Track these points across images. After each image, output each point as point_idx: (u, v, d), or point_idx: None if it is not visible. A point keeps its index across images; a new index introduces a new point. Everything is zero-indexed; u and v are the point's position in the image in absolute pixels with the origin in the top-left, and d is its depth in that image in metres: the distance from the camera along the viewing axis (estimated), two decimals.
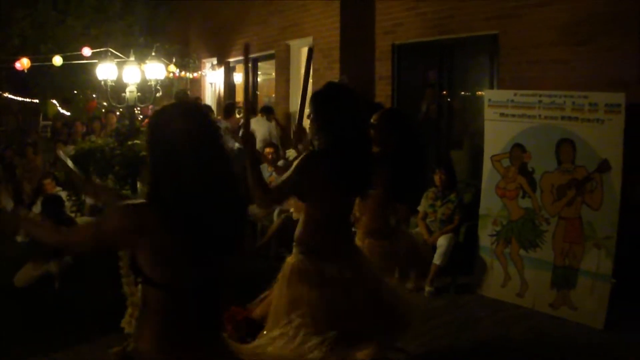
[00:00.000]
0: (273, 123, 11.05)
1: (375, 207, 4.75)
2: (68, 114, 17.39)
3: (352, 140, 3.68)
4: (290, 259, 3.84)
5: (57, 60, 11.99)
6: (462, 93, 9.51)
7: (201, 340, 2.45)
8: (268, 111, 11.31)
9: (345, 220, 3.98)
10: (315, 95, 3.84)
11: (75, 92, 16.43)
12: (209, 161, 2.39)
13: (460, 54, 9.31)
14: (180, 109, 2.51)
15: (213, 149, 2.44)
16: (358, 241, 4.67)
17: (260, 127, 10.28)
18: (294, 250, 3.85)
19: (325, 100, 3.78)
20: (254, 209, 3.72)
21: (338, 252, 3.80)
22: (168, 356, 2.37)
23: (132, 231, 2.32)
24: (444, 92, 9.46)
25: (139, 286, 2.49)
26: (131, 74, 7.60)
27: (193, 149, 2.36)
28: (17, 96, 19.06)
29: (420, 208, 7.70)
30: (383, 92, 9.91)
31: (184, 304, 2.41)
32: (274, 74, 13.03)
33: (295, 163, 3.69)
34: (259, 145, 10.02)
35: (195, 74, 16.06)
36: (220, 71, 15.42)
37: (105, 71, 7.75)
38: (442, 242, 7.27)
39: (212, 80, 16.09)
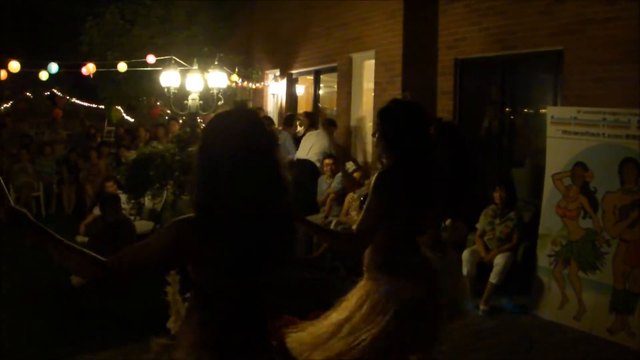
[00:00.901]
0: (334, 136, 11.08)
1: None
2: (132, 120, 17.76)
3: (420, 156, 3.63)
4: (362, 284, 3.74)
5: (122, 67, 12.24)
6: (525, 110, 9.37)
7: (245, 348, 2.43)
8: (330, 124, 11.31)
9: (417, 237, 3.90)
10: (381, 112, 3.77)
11: (140, 99, 16.75)
12: (261, 170, 2.35)
13: (524, 69, 9.18)
14: (235, 115, 2.46)
15: (266, 158, 2.40)
16: None
17: (320, 139, 10.29)
18: (366, 275, 3.74)
19: (391, 117, 3.71)
20: None
21: (412, 271, 3.70)
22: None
23: (177, 247, 2.31)
24: (507, 109, 9.34)
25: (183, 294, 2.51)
26: (194, 82, 7.71)
27: (245, 156, 2.32)
28: (83, 101, 19.57)
29: (478, 225, 7.60)
30: (445, 108, 9.83)
31: (230, 312, 2.41)
32: (335, 86, 13.05)
33: (370, 192, 3.58)
34: (318, 157, 10.03)
35: (257, 85, 16.21)
36: (283, 83, 15.53)
37: (169, 79, 7.87)
38: (499, 260, 7.15)
39: (274, 91, 16.21)
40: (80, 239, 9.88)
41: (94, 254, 2.42)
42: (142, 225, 9.28)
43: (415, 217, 3.73)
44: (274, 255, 2.44)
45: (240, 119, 2.41)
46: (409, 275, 3.65)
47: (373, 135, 3.86)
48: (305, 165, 10.00)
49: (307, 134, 10.53)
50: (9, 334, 6.09)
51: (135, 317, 6.49)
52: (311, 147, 10.14)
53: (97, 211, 9.88)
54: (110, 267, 2.41)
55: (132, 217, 8.73)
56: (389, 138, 3.68)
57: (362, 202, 3.76)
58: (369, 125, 11.41)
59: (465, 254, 7.39)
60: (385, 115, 3.74)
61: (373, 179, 3.60)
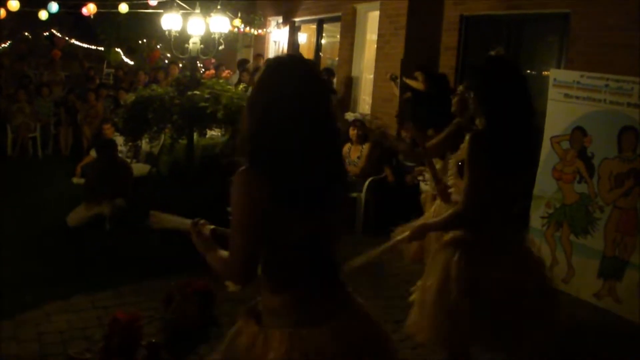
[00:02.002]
0: (332, 85, 11.02)
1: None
2: (131, 62, 17.64)
3: (519, 116, 3.44)
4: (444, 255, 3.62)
5: (123, 8, 12.08)
6: (528, 71, 9.30)
7: (324, 296, 2.46)
8: (329, 73, 11.26)
9: (511, 208, 3.69)
10: (478, 70, 3.59)
11: (140, 41, 16.60)
12: (318, 125, 2.34)
13: (530, 30, 9.08)
14: (294, 63, 2.42)
15: (324, 106, 2.39)
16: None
17: None
18: (450, 248, 3.60)
19: (490, 75, 3.50)
20: None
21: (506, 246, 3.56)
22: (290, 311, 2.39)
23: (255, 193, 2.26)
24: None
25: None
26: (195, 25, 7.62)
27: (305, 109, 2.30)
28: (83, 43, 19.40)
29: None
30: (448, 64, 9.75)
31: (303, 262, 2.42)
32: (338, 36, 12.95)
33: (466, 155, 3.40)
34: None
35: (260, 31, 16.06)
36: (285, 30, 15.40)
37: (170, 21, 7.76)
38: None
39: (276, 38, 16.09)
40: (76, 180, 9.93)
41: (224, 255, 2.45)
42: (139, 168, 9.31)
43: (510, 185, 3.54)
44: (332, 198, 2.43)
45: (300, 67, 2.39)
46: (497, 252, 3.51)
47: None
48: None
49: None
50: (8, 274, 6.15)
51: (131, 261, 6.55)
52: None
53: (94, 153, 9.89)
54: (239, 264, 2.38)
55: (128, 160, 8.74)
56: (486, 97, 3.46)
57: (460, 167, 3.56)
58: (369, 77, 11.38)
59: None
60: (483, 73, 3.55)
61: (470, 141, 3.41)
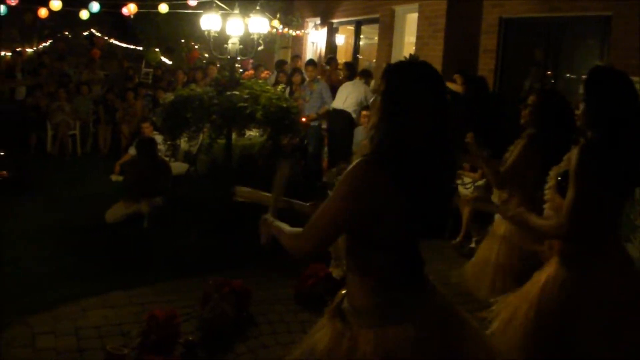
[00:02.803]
0: (369, 87, 10.97)
1: (527, 190, 4.39)
2: (170, 62, 17.77)
3: (634, 128, 3.24)
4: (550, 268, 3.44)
5: (163, 8, 12.19)
6: (567, 74, 9.19)
7: (414, 291, 2.50)
8: (366, 75, 11.21)
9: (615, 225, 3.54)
10: (588, 81, 3.41)
11: (179, 41, 16.71)
12: (439, 126, 2.42)
13: (569, 33, 8.98)
14: (423, 66, 2.52)
15: (446, 109, 2.46)
16: (502, 225, 4.54)
17: (355, 89, 10.19)
18: (558, 259, 3.42)
19: (601, 86, 3.33)
20: None
21: (617, 263, 3.33)
22: (378, 310, 2.43)
23: (365, 190, 2.33)
24: (549, 72, 9.16)
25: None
26: (234, 26, 7.65)
27: (435, 105, 2.41)
28: (122, 42, 19.61)
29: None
30: (486, 66, 9.68)
31: (397, 259, 2.47)
32: (376, 38, 12.90)
33: (574, 167, 3.19)
34: (354, 107, 9.96)
35: (298, 32, 16.08)
36: (323, 31, 15.39)
37: (210, 22, 7.81)
38: None
39: (314, 39, 16.09)
40: (114, 177, 10.04)
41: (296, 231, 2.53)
42: (177, 167, 9.37)
43: (620, 199, 3.40)
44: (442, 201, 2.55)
45: (429, 70, 2.49)
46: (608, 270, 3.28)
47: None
48: (342, 115, 9.95)
49: (344, 85, 10.44)
50: (46, 269, 6.23)
51: (168, 258, 6.60)
52: (347, 97, 10.05)
53: (132, 151, 9.98)
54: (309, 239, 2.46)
55: (167, 159, 8.79)
56: (597, 108, 3.30)
57: (560, 182, 3.35)
58: None
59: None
60: (593, 84, 3.38)
61: (575, 154, 3.23)
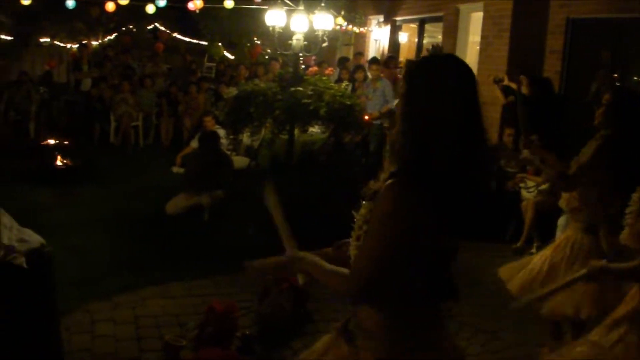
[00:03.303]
0: None
1: (600, 196, 4.20)
2: (232, 57, 17.89)
3: None
4: None
5: (229, 4, 12.25)
6: (636, 78, 8.91)
7: (431, 319, 2.30)
8: None
9: None
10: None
11: (244, 36, 16.79)
12: (480, 126, 2.16)
13: (639, 34, 8.69)
14: (455, 63, 2.21)
15: (480, 114, 2.18)
16: (573, 233, 4.34)
17: None
18: None
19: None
20: None
21: None
22: (392, 334, 2.23)
23: (413, 208, 2.07)
24: (617, 75, 8.90)
25: None
26: (299, 22, 7.64)
27: (473, 110, 2.13)
28: (185, 37, 19.82)
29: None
30: (552, 68, 9.46)
31: (424, 283, 2.22)
32: (440, 36, 12.76)
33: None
34: None
35: (361, 29, 16.01)
36: (386, 29, 15.30)
37: (274, 18, 7.81)
38: None
39: (376, 37, 16.00)
40: (175, 169, 10.14)
41: (343, 272, 2.24)
42: (238, 161, 9.42)
43: None
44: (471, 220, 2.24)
45: (456, 65, 2.20)
46: None
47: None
48: None
49: None
50: (107, 257, 6.32)
51: (228, 252, 6.61)
52: None
53: (194, 144, 10.06)
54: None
55: (228, 153, 8.83)
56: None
57: None
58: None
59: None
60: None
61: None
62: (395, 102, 10.02)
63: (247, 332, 4.73)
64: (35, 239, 3.61)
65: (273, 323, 4.99)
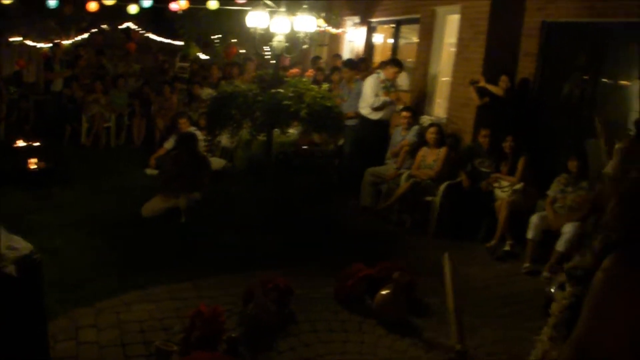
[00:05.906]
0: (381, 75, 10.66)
1: None
2: (207, 57, 17.75)
3: None
4: None
5: (213, 4, 12.11)
6: (609, 81, 9.01)
7: None
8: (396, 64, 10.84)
9: None
10: None
11: (219, 37, 16.66)
12: None
13: (614, 39, 8.79)
14: None
15: None
16: None
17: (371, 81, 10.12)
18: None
19: None
20: None
21: None
22: None
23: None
24: (590, 78, 8.99)
25: None
26: (280, 24, 7.60)
27: None
28: (159, 37, 19.63)
29: (549, 192, 7.43)
30: (526, 70, 9.53)
31: None
32: (413, 38, 12.79)
33: None
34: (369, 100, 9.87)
35: (338, 31, 15.97)
36: (362, 30, 15.30)
37: (256, 19, 7.74)
38: (567, 229, 6.93)
39: (351, 38, 16.00)
40: (149, 171, 10.06)
41: None
42: (215, 163, 9.38)
43: None
44: None
45: None
46: None
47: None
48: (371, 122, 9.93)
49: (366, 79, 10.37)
50: (86, 262, 6.27)
51: (208, 254, 6.60)
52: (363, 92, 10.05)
53: (168, 145, 10.00)
54: None
55: (206, 154, 8.80)
56: None
57: None
58: (445, 81, 11.20)
59: (534, 219, 7.31)
60: None
61: None
62: (382, 98, 9.93)
63: (233, 335, 4.72)
64: (24, 245, 3.57)
65: (259, 324, 4.99)
